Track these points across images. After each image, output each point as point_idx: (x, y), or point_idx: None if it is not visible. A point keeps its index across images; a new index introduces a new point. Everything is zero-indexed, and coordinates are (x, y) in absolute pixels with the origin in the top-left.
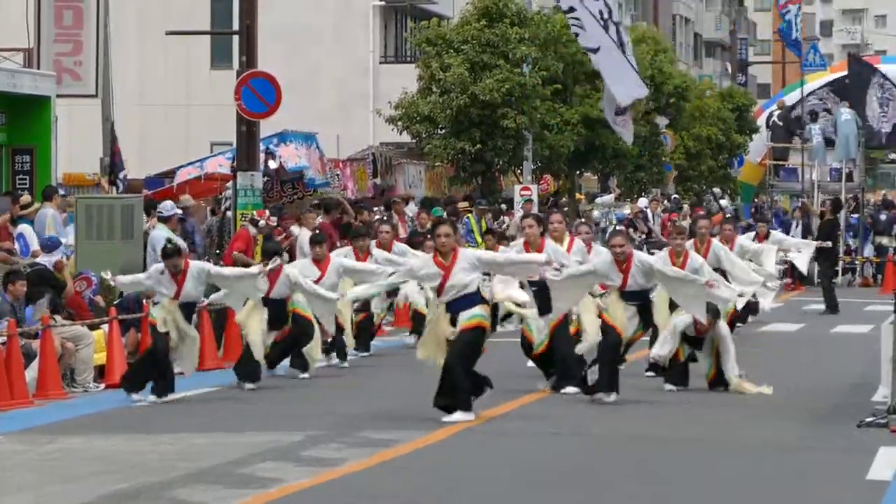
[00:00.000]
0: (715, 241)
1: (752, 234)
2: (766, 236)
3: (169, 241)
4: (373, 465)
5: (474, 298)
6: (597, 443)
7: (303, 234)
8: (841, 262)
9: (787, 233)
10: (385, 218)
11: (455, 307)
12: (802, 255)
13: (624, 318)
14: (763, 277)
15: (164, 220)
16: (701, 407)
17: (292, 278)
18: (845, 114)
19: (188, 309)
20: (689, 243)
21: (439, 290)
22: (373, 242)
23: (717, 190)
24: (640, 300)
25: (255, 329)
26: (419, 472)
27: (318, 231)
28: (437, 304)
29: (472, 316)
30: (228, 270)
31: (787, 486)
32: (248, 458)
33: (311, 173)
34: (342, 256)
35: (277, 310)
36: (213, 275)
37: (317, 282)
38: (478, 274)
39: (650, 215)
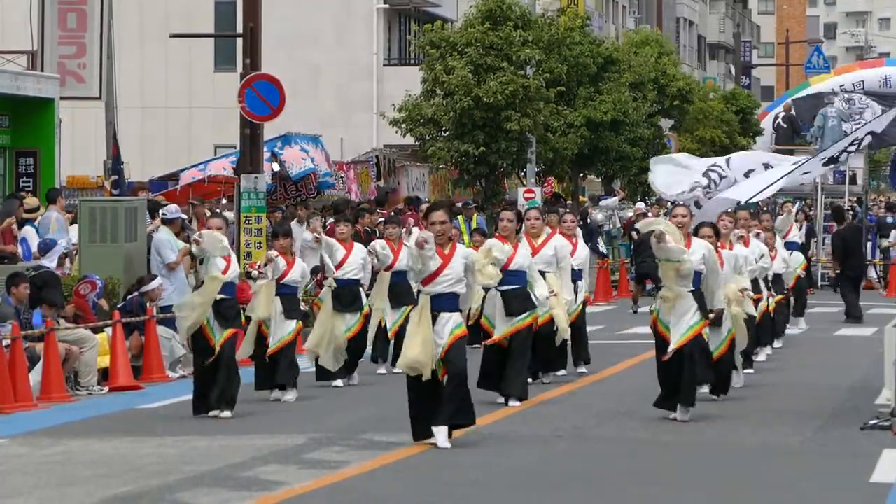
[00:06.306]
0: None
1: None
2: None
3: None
4: (375, 468)
5: (456, 302)
6: (597, 446)
7: (305, 234)
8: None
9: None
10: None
11: (438, 304)
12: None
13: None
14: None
15: (168, 222)
16: (701, 410)
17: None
18: (832, 118)
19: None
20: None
21: (431, 278)
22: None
23: None
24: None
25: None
26: (421, 476)
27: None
28: (423, 296)
29: (459, 324)
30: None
31: (790, 489)
32: (251, 461)
33: (321, 174)
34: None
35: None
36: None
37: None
38: (465, 280)
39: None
